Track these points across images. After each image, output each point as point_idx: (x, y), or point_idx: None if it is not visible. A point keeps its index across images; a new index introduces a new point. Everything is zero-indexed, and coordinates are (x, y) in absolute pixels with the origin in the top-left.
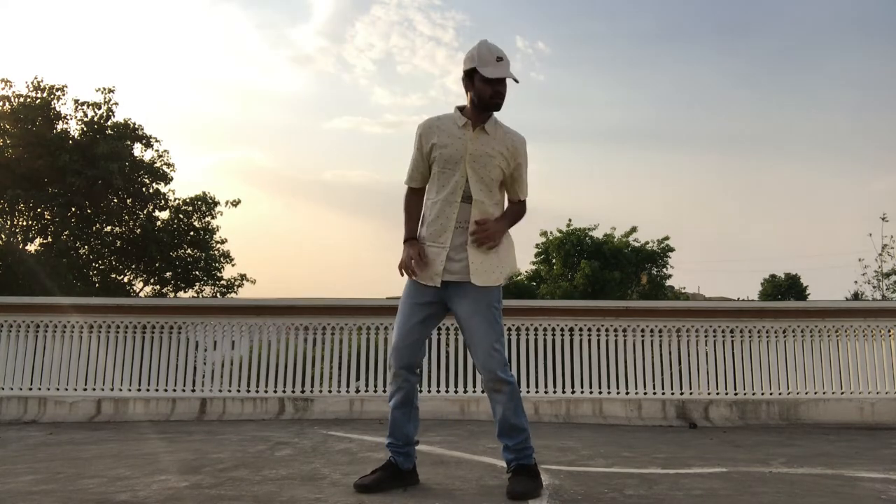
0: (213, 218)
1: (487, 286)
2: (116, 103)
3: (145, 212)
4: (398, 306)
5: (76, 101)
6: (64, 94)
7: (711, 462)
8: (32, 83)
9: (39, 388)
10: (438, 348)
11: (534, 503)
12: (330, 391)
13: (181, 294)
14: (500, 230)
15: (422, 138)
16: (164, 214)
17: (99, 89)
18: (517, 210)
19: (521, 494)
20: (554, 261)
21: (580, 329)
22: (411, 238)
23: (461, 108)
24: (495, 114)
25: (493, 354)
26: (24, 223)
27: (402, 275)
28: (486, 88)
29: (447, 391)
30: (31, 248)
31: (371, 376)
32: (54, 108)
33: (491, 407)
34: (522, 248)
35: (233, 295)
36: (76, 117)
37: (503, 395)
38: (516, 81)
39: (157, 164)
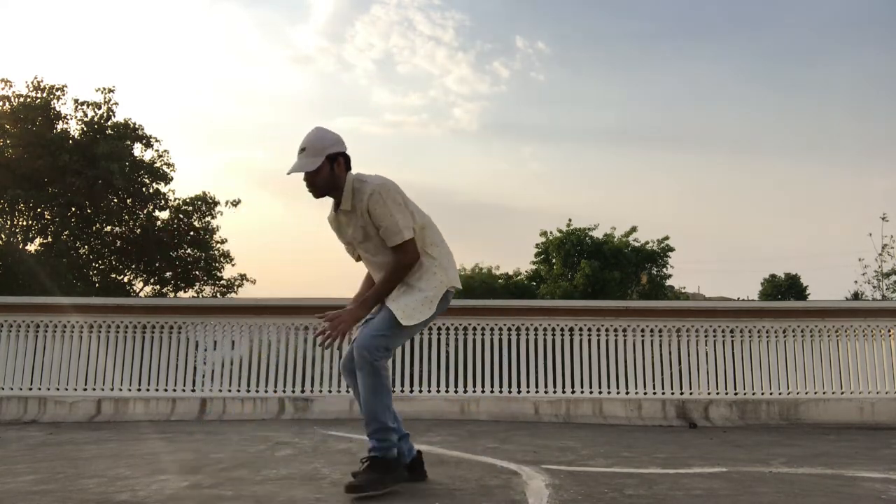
0: (213, 218)
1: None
2: (116, 103)
3: (145, 212)
4: None
5: (76, 101)
6: (64, 94)
7: (711, 462)
8: (32, 83)
9: (39, 388)
10: (438, 348)
11: (534, 502)
12: (330, 391)
13: (181, 294)
14: (345, 320)
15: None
16: (164, 214)
17: (99, 89)
18: (392, 267)
19: (355, 487)
20: (554, 261)
21: (580, 329)
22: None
23: None
24: (352, 174)
25: (372, 333)
26: (24, 223)
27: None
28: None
29: (447, 391)
30: (31, 248)
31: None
32: (54, 108)
33: (354, 391)
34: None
35: (233, 295)
36: (76, 117)
37: (363, 370)
38: (299, 171)
39: (157, 164)
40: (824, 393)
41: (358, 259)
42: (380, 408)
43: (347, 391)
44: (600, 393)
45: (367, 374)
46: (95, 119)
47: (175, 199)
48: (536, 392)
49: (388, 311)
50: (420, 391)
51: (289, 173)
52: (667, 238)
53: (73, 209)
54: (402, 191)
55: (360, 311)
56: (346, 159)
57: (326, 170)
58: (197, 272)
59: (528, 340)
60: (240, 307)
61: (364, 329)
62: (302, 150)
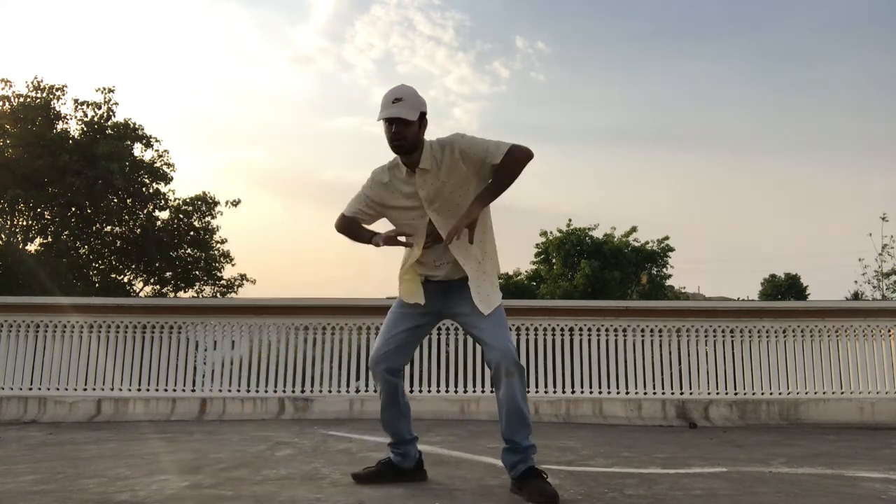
0: (213, 218)
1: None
2: (116, 103)
3: (145, 212)
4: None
5: (76, 101)
6: (64, 94)
7: (711, 462)
8: (32, 83)
9: (39, 388)
10: (438, 348)
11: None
12: (330, 391)
13: (181, 294)
14: (465, 219)
15: (369, 186)
16: (164, 214)
17: (99, 89)
18: (500, 174)
19: (553, 495)
20: (554, 261)
21: (580, 329)
22: (372, 235)
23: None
24: (426, 140)
25: (511, 348)
26: (24, 223)
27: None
28: (385, 132)
29: (447, 391)
30: (31, 248)
31: (371, 376)
32: (54, 108)
33: (498, 403)
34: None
35: (233, 295)
36: (76, 117)
37: (516, 377)
38: (402, 118)
39: (157, 164)
40: (824, 393)
41: (349, 214)
42: (528, 412)
43: (348, 391)
44: (600, 393)
45: (520, 378)
46: (95, 119)
47: (175, 199)
48: (536, 392)
49: (497, 309)
50: (420, 391)
51: (387, 118)
52: (667, 238)
53: (73, 209)
54: None
55: (477, 210)
56: (427, 121)
57: (417, 126)
58: (197, 272)
59: (528, 340)
60: (240, 307)
61: (493, 333)
62: (398, 99)
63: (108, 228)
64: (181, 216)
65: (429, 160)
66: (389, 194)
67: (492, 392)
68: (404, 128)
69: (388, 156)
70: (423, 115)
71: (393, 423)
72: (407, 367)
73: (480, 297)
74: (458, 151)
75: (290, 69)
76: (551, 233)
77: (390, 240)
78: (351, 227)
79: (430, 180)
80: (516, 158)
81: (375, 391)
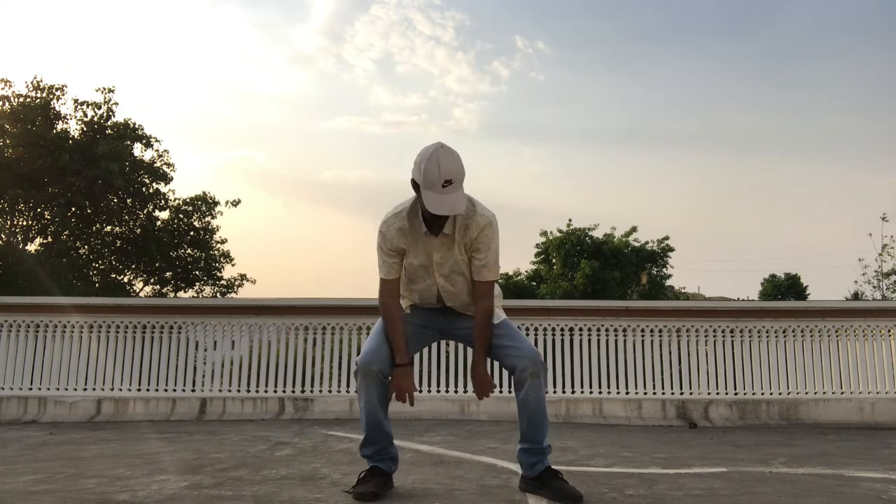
0: (213, 218)
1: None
2: (116, 103)
3: (145, 212)
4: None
5: (76, 101)
6: (64, 94)
7: (711, 462)
8: (32, 83)
9: (39, 388)
10: (438, 348)
11: (534, 502)
12: (330, 391)
13: (181, 294)
14: (487, 384)
15: (389, 240)
16: (164, 214)
17: (99, 89)
18: (482, 310)
19: (579, 495)
20: (554, 261)
21: (580, 329)
22: (403, 364)
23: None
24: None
25: (531, 349)
26: (24, 223)
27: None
28: (426, 211)
29: (447, 391)
30: (31, 248)
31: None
32: (54, 108)
33: (522, 404)
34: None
35: (233, 295)
36: (76, 117)
37: (539, 383)
38: (460, 213)
39: (157, 164)
40: (824, 393)
41: (389, 276)
42: (546, 413)
43: (348, 391)
44: (600, 393)
45: (544, 379)
46: (95, 119)
47: (175, 199)
48: None
49: (505, 319)
50: (420, 391)
51: (439, 213)
52: (667, 238)
53: (73, 209)
54: None
55: (486, 374)
56: None
57: None
58: (197, 272)
59: None
60: (240, 307)
61: (514, 337)
62: (449, 182)
63: (108, 228)
64: (181, 216)
65: (450, 226)
66: (409, 242)
67: (492, 392)
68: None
69: (389, 155)
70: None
71: (386, 423)
72: None
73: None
74: (477, 235)
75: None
76: (551, 233)
77: (400, 396)
78: (390, 307)
79: (447, 246)
80: (489, 310)
81: None
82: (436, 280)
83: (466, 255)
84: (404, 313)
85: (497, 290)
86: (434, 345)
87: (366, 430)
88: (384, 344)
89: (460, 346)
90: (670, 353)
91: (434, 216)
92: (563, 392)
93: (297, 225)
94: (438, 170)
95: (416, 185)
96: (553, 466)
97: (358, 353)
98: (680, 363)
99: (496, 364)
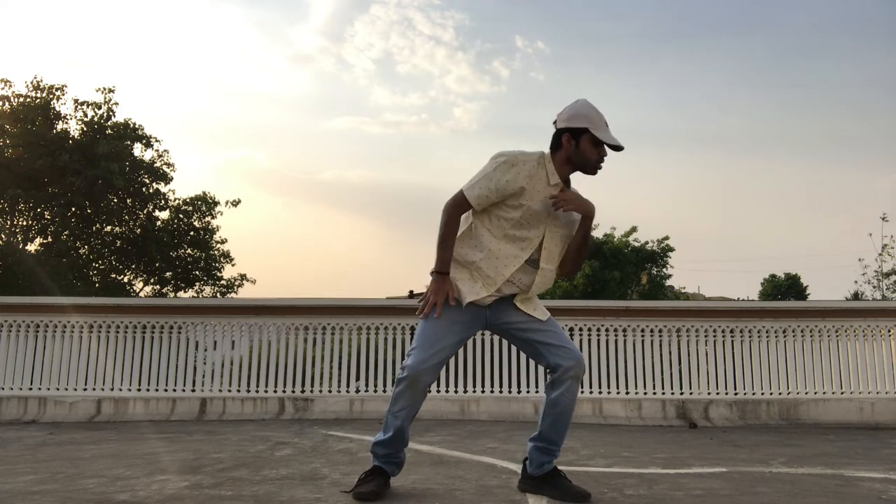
0: (213, 218)
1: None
2: (116, 103)
3: (145, 212)
4: (421, 322)
5: (76, 101)
6: (64, 94)
7: (711, 462)
8: (32, 83)
9: (39, 388)
10: None
11: (534, 502)
12: (330, 391)
13: (181, 294)
14: (577, 202)
15: (511, 175)
16: (164, 214)
17: (99, 89)
18: (581, 261)
19: (587, 495)
20: None
21: (580, 329)
22: (443, 272)
23: (553, 157)
24: None
25: (580, 358)
26: (24, 223)
27: (420, 313)
28: (594, 152)
29: (447, 391)
30: (31, 248)
31: (371, 376)
32: (54, 107)
33: (554, 403)
34: None
35: (233, 295)
36: (76, 117)
37: (575, 388)
38: (622, 149)
39: (157, 164)
40: (824, 393)
41: (476, 204)
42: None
43: (348, 391)
44: (600, 393)
45: (575, 392)
46: (95, 119)
47: (175, 199)
48: (537, 392)
49: (551, 319)
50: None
51: (620, 146)
52: (667, 238)
53: (73, 209)
54: None
55: (587, 212)
56: None
57: None
58: (197, 272)
59: None
60: (240, 307)
61: (561, 337)
62: (607, 124)
63: (108, 228)
64: (181, 216)
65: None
66: (531, 188)
67: (492, 392)
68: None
69: (389, 156)
70: None
71: (408, 431)
72: None
73: (537, 308)
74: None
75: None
76: None
77: (430, 302)
78: (450, 225)
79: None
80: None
81: (375, 391)
82: (545, 232)
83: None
84: (454, 308)
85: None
86: None
87: (390, 434)
88: (436, 350)
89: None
90: (670, 353)
91: (597, 167)
92: None
93: (297, 225)
94: (598, 112)
95: (574, 134)
96: (558, 467)
97: (358, 354)
98: (680, 363)
99: (496, 364)
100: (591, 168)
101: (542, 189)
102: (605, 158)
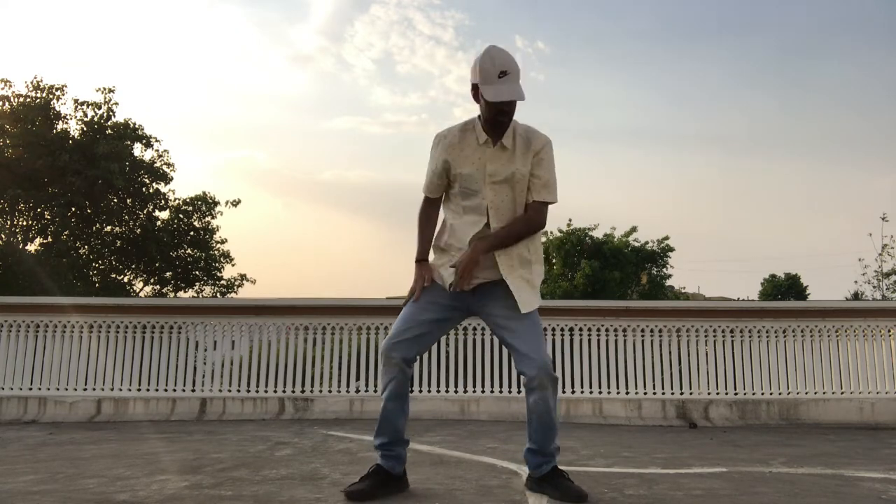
0: (213, 218)
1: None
2: (116, 103)
3: (145, 212)
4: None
5: (76, 101)
6: (64, 94)
7: (711, 462)
8: (32, 83)
9: (39, 388)
10: (438, 348)
11: (534, 502)
12: (330, 391)
13: (181, 294)
14: (471, 261)
15: (436, 152)
16: (164, 214)
17: (99, 89)
18: (524, 219)
19: (585, 495)
20: (554, 261)
21: (580, 329)
22: (422, 259)
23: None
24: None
25: (546, 362)
26: (24, 223)
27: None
28: (489, 108)
29: (447, 391)
30: (31, 248)
31: (371, 376)
32: (54, 107)
33: (530, 410)
34: None
35: (233, 295)
36: (76, 117)
37: (549, 393)
38: (522, 99)
39: (157, 164)
40: (824, 393)
41: (432, 193)
42: (556, 416)
43: (348, 391)
44: (600, 393)
45: (553, 390)
46: (95, 119)
47: (175, 199)
48: None
49: (533, 313)
50: (420, 391)
51: (503, 99)
52: (667, 238)
53: (73, 209)
54: None
55: (481, 251)
56: None
57: None
58: (197, 272)
59: None
60: (240, 307)
61: (529, 342)
62: (504, 72)
63: (108, 228)
64: (181, 216)
65: (510, 139)
66: (458, 156)
67: (492, 392)
68: (512, 107)
69: (389, 155)
70: None
71: (396, 417)
72: None
73: (521, 297)
74: (539, 152)
75: (290, 69)
76: (551, 233)
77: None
78: (422, 218)
79: (505, 158)
80: (534, 221)
81: (376, 391)
82: (486, 192)
83: (528, 170)
84: (435, 289)
85: (540, 269)
86: (434, 345)
87: (378, 418)
88: (409, 325)
89: (461, 346)
90: (670, 353)
91: (496, 121)
92: (563, 392)
93: (297, 225)
94: (492, 62)
95: (475, 89)
96: (560, 466)
97: (358, 354)
98: (680, 363)
99: (496, 364)
100: (492, 125)
101: (472, 152)
102: (509, 109)
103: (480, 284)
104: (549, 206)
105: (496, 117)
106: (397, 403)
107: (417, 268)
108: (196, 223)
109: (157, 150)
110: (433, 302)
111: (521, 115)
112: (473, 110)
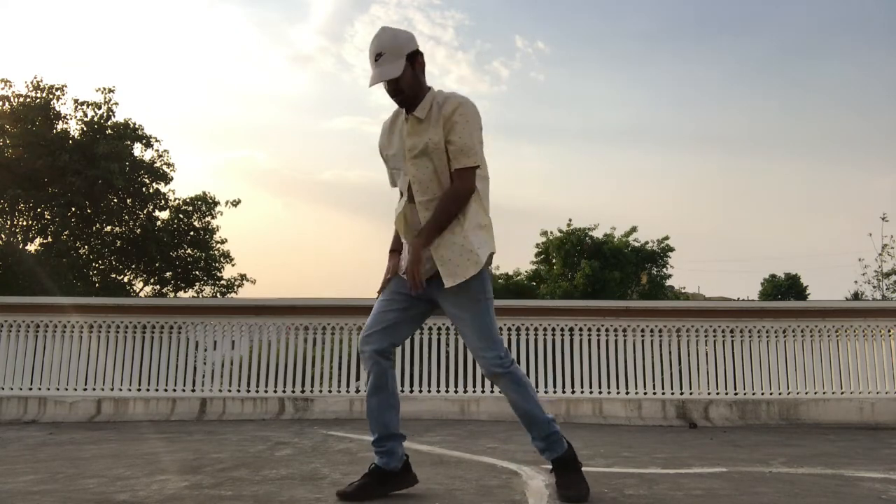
0: (213, 218)
1: (461, 282)
2: (116, 103)
3: (145, 212)
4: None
5: (76, 101)
6: (64, 94)
7: (711, 462)
8: (32, 83)
9: (39, 388)
10: (438, 348)
11: (534, 502)
12: (330, 391)
13: (181, 294)
14: (413, 266)
15: (378, 142)
16: (164, 214)
17: (99, 89)
18: (449, 193)
19: (574, 498)
20: (554, 261)
21: (580, 329)
22: (394, 249)
23: None
24: (434, 89)
25: (484, 355)
26: (24, 223)
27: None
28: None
29: (447, 391)
30: (31, 248)
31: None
32: (54, 107)
33: (508, 400)
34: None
35: (233, 295)
36: (76, 117)
37: (503, 385)
38: (389, 78)
39: (157, 164)
40: (824, 393)
41: (394, 184)
42: (533, 404)
43: (348, 391)
44: (600, 393)
45: (509, 381)
46: (95, 119)
47: (175, 199)
48: (536, 392)
49: (478, 306)
50: (420, 391)
51: (371, 85)
52: (667, 238)
53: (73, 209)
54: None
55: (421, 250)
56: (422, 58)
57: (409, 71)
58: (197, 272)
59: (528, 340)
60: (240, 307)
61: (472, 340)
62: (379, 55)
63: (108, 228)
64: (181, 216)
65: (425, 110)
66: (389, 141)
67: (492, 392)
68: (398, 82)
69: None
70: (412, 57)
71: (380, 412)
72: (407, 367)
73: (446, 267)
74: (450, 116)
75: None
76: (551, 233)
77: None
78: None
79: (421, 130)
80: (460, 191)
81: None
82: (408, 168)
83: (443, 138)
84: (400, 280)
85: (485, 219)
86: (434, 345)
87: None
88: (377, 318)
89: (460, 346)
90: (670, 353)
91: (395, 101)
92: (563, 392)
93: (297, 225)
94: (371, 47)
95: None
96: (565, 456)
97: (358, 354)
98: (680, 363)
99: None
100: (397, 104)
101: (396, 132)
102: (397, 93)
103: (433, 276)
104: (473, 169)
105: (392, 98)
106: (380, 398)
107: (388, 259)
108: (196, 223)
109: (157, 150)
110: (398, 292)
111: (520, 114)
112: None
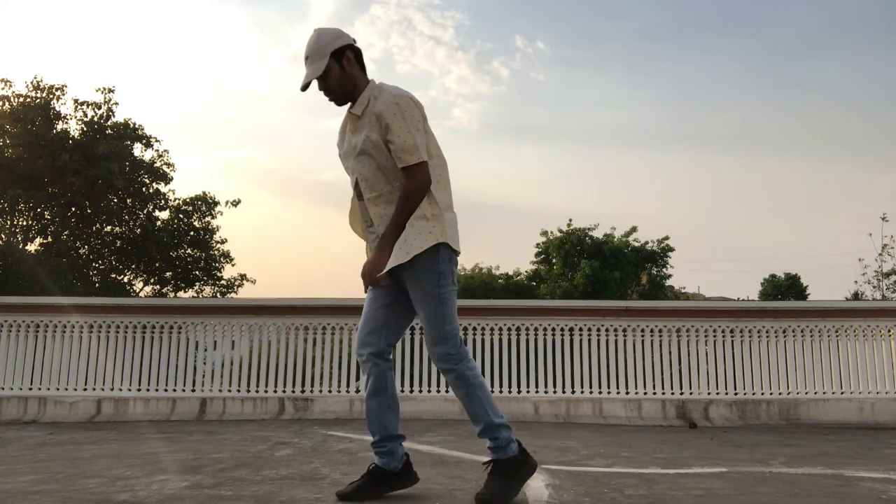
0: (213, 218)
1: (414, 275)
2: (116, 103)
3: (145, 212)
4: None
5: (76, 101)
6: (64, 94)
7: (711, 462)
8: (32, 83)
9: (39, 388)
10: None
11: (534, 502)
12: (330, 391)
13: (181, 294)
14: (371, 268)
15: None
16: (164, 214)
17: (99, 89)
18: (403, 194)
19: (486, 499)
20: (554, 261)
21: (580, 329)
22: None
23: None
24: (374, 82)
25: (432, 349)
26: (24, 223)
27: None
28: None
29: (447, 391)
30: (31, 248)
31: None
32: (54, 107)
33: None
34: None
35: (233, 295)
36: (76, 117)
37: (450, 382)
38: (312, 79)
39: (157, 164)
40: (824, 393)
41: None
42: (479, 407)
43: (348, 391)
44: (600, 393)
45: (456, 378)
46: (95, 119)
47: (175, 199)
48: (536, 392)
49: (425, 313)
50: (420, 391)
51: (302, 89)
52: (667, 238)
53: (73, 209)
54: (425, 113)
55: (382, 252)
56: (356, 53)
57: (336, 69)
58: (197, 272)
59: (528, 340)
60: (240, 307)
61: (427, 331)
62: (305, 59)
63: (108, 228)
64: (181, 216)
65: (362, 106)
66: (341, 139)
67: (492, 392)
68: (324, 81)
69: None
70: (339, 54)
71: (379, 413)
72: (407, 367)
73: (397, 249)
74: (381, 113)
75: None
76: (551, 233)
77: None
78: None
79: (360, 128)
80: (412, 190)
81: None
82: (354, 166)
83: (380, 137)
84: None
85: (431, 209)
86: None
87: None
88: (367, 319)
89: None
90: (670, 353)
91: (329, 97)
92: (563, 392)
93: (297, 225)
94: (304, 50)
95: None
96: (504, 458)
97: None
98: (680, 363)
99: (496, 364)
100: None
101: (344, 132)
102: (328, 91)
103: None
104: (423, 164)
105: (326, 97)
106: (379, 399)
107: (367, 255)
108: (196, 223)
109: (157, 150)
110: (378, 289)
111: (520, 114)
112: (473, 110)
